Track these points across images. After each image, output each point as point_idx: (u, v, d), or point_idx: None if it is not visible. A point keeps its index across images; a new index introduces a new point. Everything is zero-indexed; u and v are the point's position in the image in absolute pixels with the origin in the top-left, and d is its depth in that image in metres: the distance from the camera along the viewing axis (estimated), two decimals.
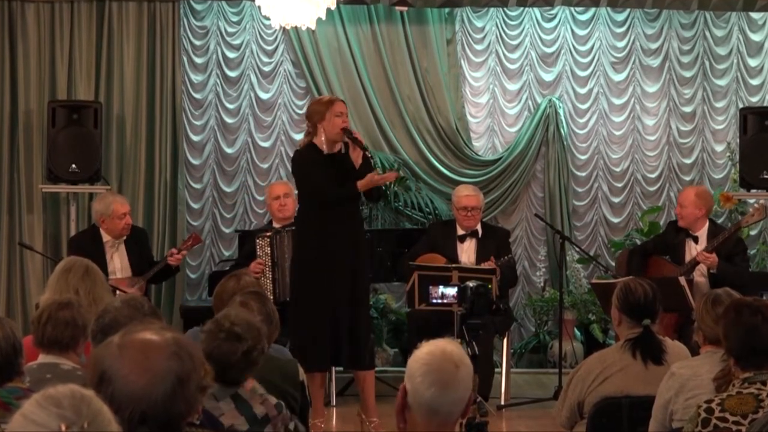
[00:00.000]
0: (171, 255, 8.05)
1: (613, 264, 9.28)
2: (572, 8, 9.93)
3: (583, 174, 10.11)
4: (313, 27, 8.22)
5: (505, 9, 9.87)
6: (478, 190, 8.36)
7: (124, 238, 8.01)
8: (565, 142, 9.97)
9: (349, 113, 7.08)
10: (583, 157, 10.11)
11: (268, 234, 7.94)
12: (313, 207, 7.05)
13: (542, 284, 9.96)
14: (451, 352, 2.89)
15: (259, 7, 8.19)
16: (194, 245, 8.37)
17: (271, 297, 7.66)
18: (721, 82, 10.09)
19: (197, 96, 9.82)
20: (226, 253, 9.80)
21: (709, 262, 7.69)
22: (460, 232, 8.21)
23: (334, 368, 7.79)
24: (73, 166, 8.83)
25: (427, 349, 2.90)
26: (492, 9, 9.88)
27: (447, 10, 9.81)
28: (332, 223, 6.92)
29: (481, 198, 8.28)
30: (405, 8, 9.55)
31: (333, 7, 8.18)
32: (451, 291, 6.90)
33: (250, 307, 4.52)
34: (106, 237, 7.98)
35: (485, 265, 7.79)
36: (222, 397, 3.80)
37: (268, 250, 7.90)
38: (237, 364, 3.82)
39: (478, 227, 8.23)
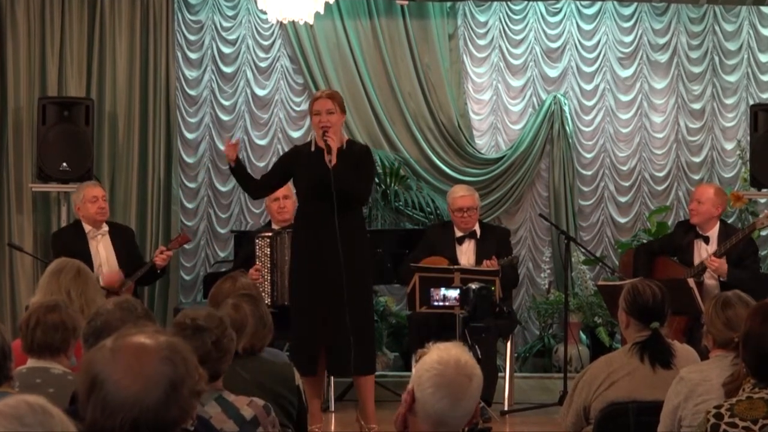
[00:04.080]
0: (158, 254, 7.91)
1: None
2: (578, 2, 9.89)
3: (589, 173, 10.03)
4: (310, 21, 8.33)
5: (508, 3, 9.84)
6: (472, 190, 8.27)
7: (107, 229, 7.94)
8: (570, 140, 9.89)
9: (340, 108, 6.94)
10: (588, 156, 10.02)
11: (268, 234, 7.86)
12: (302, 205, 7.00)
13: (547, 286, 9.87)
14: (465, 363, 2.86)
15: (255, 1, 8.20)
16: (182, 244, 8.27)
17: (269, 300, 7.64)
18: (731, 78, 9.99)
19: (192, 92, 9.75)
20: (222, 254, 9.75)
21: (716, 266, 7.49)
22: (458, 233, 8.11)
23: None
24: (64, 164, 8.73)
25: (438, 357, 2.86)
26: (495, 3, 9.85)
27: (449, 3, 9.75)
28: (322, 221, 6.77)
29: (476, 197, 8.18)
30: (406, 2, 9.50)
31: (331, 0, 8.23)
32: (453, 293, 6.86)
33: (242, 310, 4.47)
34: (87, 227, 7.92)
35: (487, 264, 7.66)
36: (207, 401, 3.75)
37: (267, 251, 7.81)
38: (210, 355, 3.78)
39: (476, 228, 8.13)
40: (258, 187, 7.27)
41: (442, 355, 2.86)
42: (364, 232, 7.14)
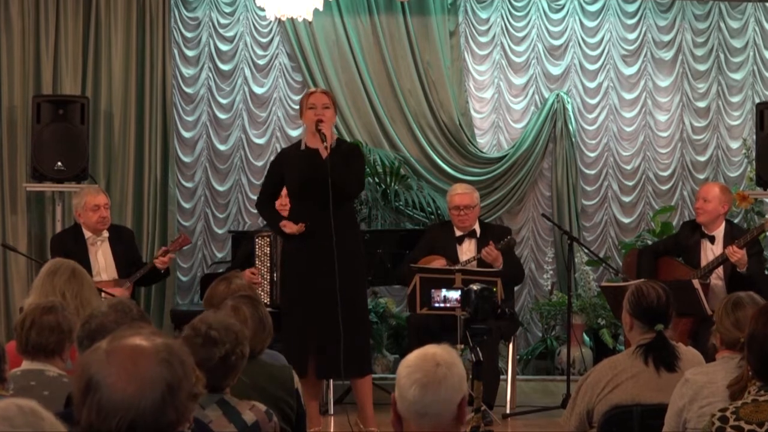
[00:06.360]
0: (159, 257, 7.80)
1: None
2: None
3: (593, 172, 9.97)
4: (309, 18, 8.32)
5: None
6: (472, 189, 8.19)
7: (107, 235, 7.86)
8: (573, 139, 9.83)
9: (334, 108, 6.92)
10: (592, 155, 9.96)
11: (267, 234, 7.76)
12: (294, 205, 6.92)
13: (549, 287, 9.81)
14: (434, 353, 2.92)
15: None
16: (183, 246, 8.17)
17: (268, 300, 7.58)
18: (737, 76, 9.95)
19: (188, 90, 9.69)
20: (219, 255, 9.69)
21: (738, 257, 7.33)
22: (458, 233, 8.02)
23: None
24: (59, 163, 8.66)
25: (415, 354, 2.96)
26: None
27: (450, 0, 9.65)
28: (315, 218, 6.68)
29: (475, 196, 8.09)
30: None
31: None
32: (454, 294, 6.78)
33: (242, 312, 4.45)
34: (87, 233, 7.82)
35: (485, 252, 7.61)
36: (208, 404, 3.75)
37: (267, 250, 7.75)
38: (215, 370, 3.76)
39: (476, 227, 8.04)
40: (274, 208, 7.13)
41: (418, 352, 2.95)
42: (356, 229, 7.10)
